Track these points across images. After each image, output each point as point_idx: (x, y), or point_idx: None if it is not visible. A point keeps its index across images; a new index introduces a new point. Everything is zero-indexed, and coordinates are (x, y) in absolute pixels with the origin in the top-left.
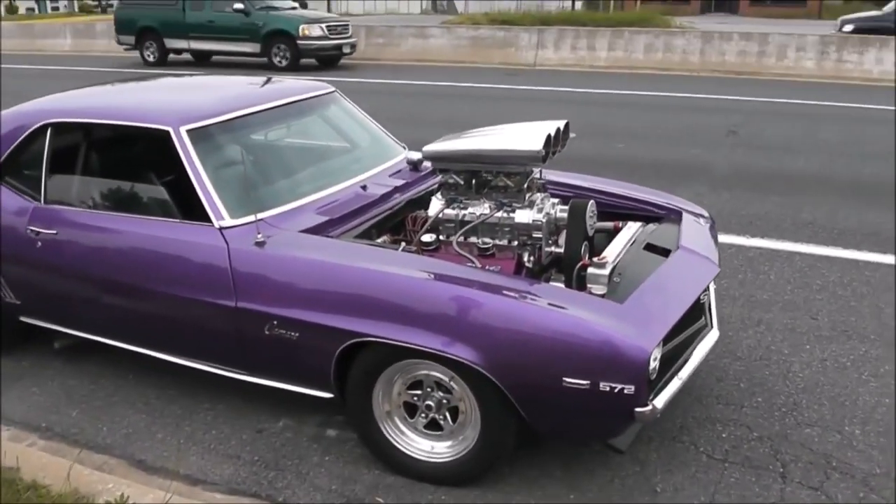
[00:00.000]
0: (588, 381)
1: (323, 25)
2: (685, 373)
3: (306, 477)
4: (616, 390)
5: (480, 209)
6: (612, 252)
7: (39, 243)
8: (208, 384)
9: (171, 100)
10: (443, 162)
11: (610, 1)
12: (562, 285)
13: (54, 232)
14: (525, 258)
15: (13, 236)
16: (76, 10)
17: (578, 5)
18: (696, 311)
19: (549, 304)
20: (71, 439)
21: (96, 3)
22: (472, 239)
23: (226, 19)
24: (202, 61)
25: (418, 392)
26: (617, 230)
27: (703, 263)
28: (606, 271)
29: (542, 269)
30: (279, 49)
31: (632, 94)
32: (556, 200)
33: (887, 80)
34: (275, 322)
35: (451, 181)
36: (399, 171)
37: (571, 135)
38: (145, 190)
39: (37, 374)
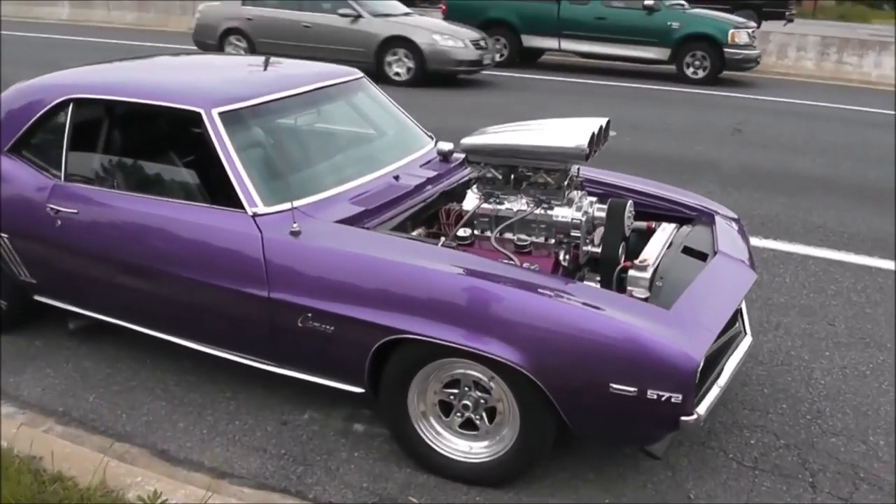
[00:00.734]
0: (635, 388)
1: (749, 31)
2: (723, 380)
3: (336, 473)
4: (663, 398)
5: (518, 205)
6: (651, 254)
7: (59, 222)
8: (228, 372)
9: (202, 80)
10: (481, 156)
11: None
12: (596, 285)
13: (75, 211)
14: (561, 257)
15: (31, 213)
16: None
17: None
18: (732, 317)
19: (596, 307)
20: (89, 425)
21: None
22: (508, 235)
23: (623, 17)
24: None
25: (455, 391)
26: (650, 230)
27: (742, 269)
28: (648, 274)
29: (576, 268)
30: (695, 57)
31: (637, 87)
32: (593, 199)
33: (885, 83)
34: (309, 315)
35: (488, 175)
36: (429, 161)
37: (611, 133)
38: (173, 172)
39: (50, 354)
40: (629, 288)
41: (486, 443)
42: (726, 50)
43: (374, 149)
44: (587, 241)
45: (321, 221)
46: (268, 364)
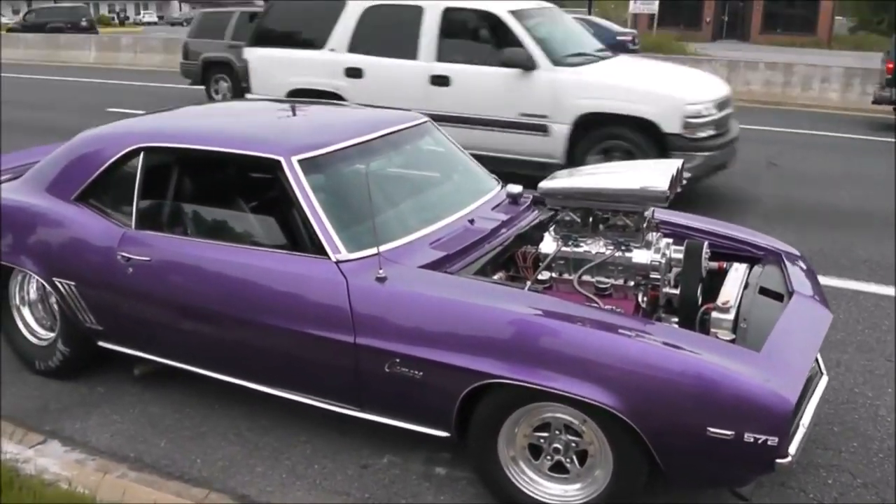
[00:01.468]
0: (732, 432)
1: None
2: (806, 420)
3: None
4: (760, 441)
5: (596, 247)
6: (731, 295)
7: (130, 269)
8: (301, 416)
9: (278, 127)
10: (559, 199)
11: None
12: (675, 326)
13: (147, 258)
14: (640, 299)
15: (100, 261)
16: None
17: None
18: None
19: (689, 350)
20: (164, 471)
21: (112, 16)
22: (586, 278)
23: None
24: None
25: (545, 434)
26: (721, 271)
27: (819, 309)
28: (731, 316)
29: (653, 310)
30: None
31: None
32: (669, 240)
33: None
34: (397, 360)
35: (566, 218)
36: (499, 204)
37: (686, 174)
38: (248, 219)
39: (115, 400)
40: (713, 330)
41: (578, 485)
42: None
43: (446, 192)
44: (665, 282)
45: (405, 267)
46: (349, 409)
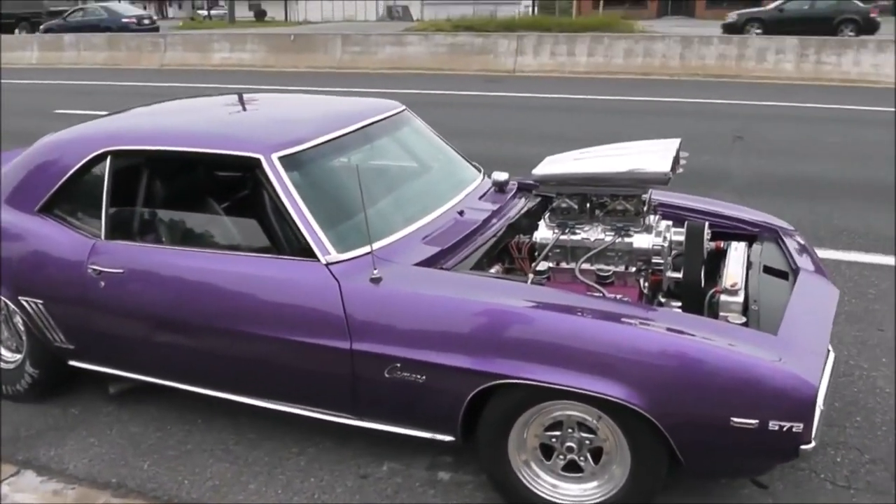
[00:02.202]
0: (757, 421)
1: None
2: (821, 400)
3: None
4: (785, 428)
5: (594, 234)
6: (737, 276)
7: (102, 283)
8: (291, 426)
9: (253, 124)
10: (557, 186)
11: (571, 3)
12: (686, 313)
13: (120, 270)
14: (642, 285)
15: (69, 276)
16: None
17: (534, 12)
18: None
19: (706, 337)
20: (150, 496)
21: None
22: (586, 266)
23: None
24: None
25: (557, 433)
26: (719, 251)
27: (826, 285)
28: (741, 298)
29: (654, 295)
30: None
31: (623, 99)
32: (669, 223)
33: (866, 81)
34: (398, 364)
35: (563, 205)
36: (485, 193)
37: (684, 154)
38: (230, 223)
39: (90, 422)
40: (722, 314)
41: (595, 483)
42: None
43: (431, 184)
44: (668, 266)
45: (400, 265)
46: (345, 417)
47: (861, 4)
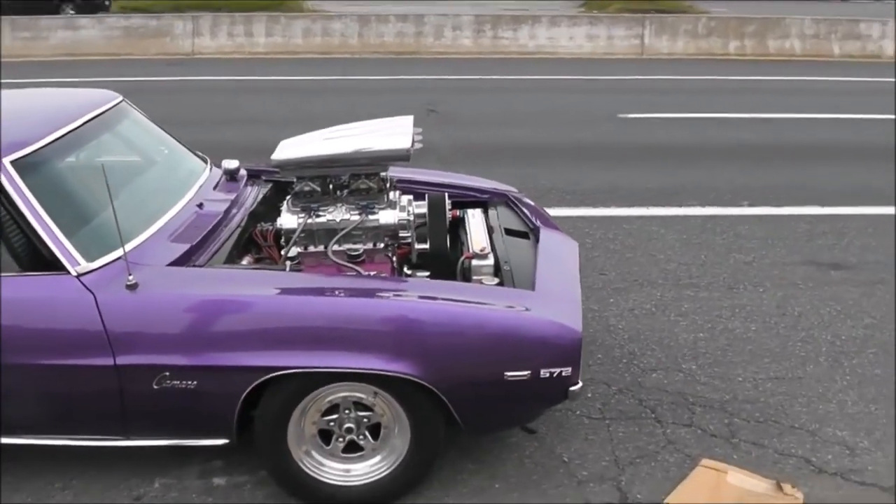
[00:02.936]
0: (528, 371)
1: None
2: None
3: None
4: (555, 374)
5: (340, 215)
6: (481, 241)
7: None
8: (47, 462)
9: None
10: (298, 169)
11: None
12: (448, 281)
13: None
14: (393, 259)
15: None
16: None
17: None
18: None
19: (470, 301)
20: None
21: None
22: (336, 247)
23: None
24: None
25: (334, 416)
26: (455, 219)
27: (564, 239)
28: (491, 261)
29: (401, 268)
30: None
31: (312, 79)
32: (409, 197)
33: (543, 52)
34: (167, 373)
35: (306, 189)
36: (217, 183)
37: (417, 130)
38: None
39: None
40: (475, 277)
41: (379, 457)
42: None
43: (164, 178)
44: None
45: (153, 268)
46: (111, 440)
47: None
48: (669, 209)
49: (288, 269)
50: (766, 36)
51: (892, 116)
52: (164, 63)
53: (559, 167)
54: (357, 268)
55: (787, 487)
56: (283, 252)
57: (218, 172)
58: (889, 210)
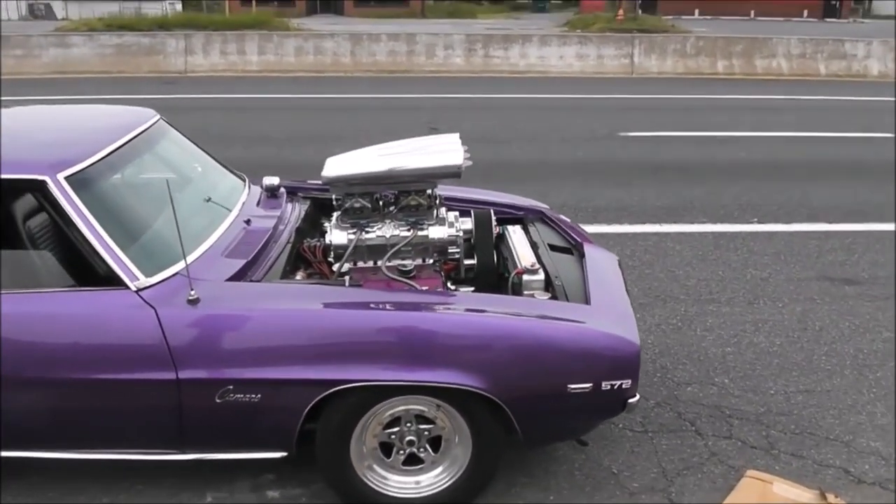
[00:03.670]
0: (591, 384)
1: None
2: None
3: None
4: (615, 387)
5: (390, 231)
6: (528, 256)
7: None
8: (90, 476)
9: (21, 139)
10: (348, 186)
11: (224, 2)
12: (509, 295)
13: None
14: (442, 275)
15: None
16: None
17: (179, 7)
18: None
19: (536, 315)
20: None
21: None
22: (379, 262)
23: None
24: None
25: (395, 429)
26: (496, 235)
27: (606, 254)
28: (542, 276)
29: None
30: None
31: (304, 97)
32: (456, 213)
33: (534, 71)
34: (230, 387)
35: (357, 205)
36: (259, 199)
37: (465, 147)
38: (15, 258)
39: None
40: (526, 292)
41: (441, 468)
42: None
43: (210, 195)
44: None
45: (213, 283)
46: (167, 453)
47: None
48: (681, 226)
49: (348, 283)
50: (754, 55)
51: (887, 135)
52: (158, 81)
53: (566, 185)
54: (413, 284)
55: (831, 497)
56: (334, 267)
57: (256, 189)
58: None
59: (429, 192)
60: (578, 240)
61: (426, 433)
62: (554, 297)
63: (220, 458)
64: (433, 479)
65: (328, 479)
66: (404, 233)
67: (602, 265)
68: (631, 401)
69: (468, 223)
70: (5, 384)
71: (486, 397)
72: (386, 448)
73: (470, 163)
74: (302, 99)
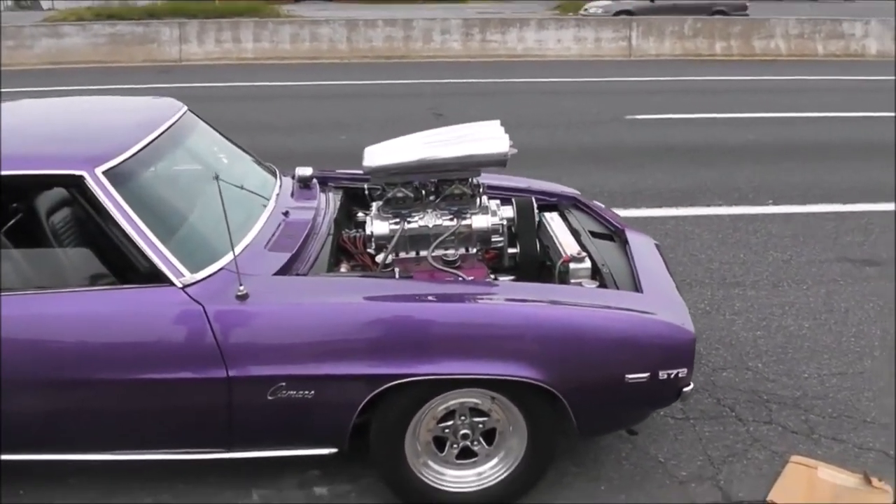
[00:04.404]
0: (648, 374)
1: None
2: None
3: None
4: (672, 376)
5: (432, 220)
6: (572, 244)
7: None
8: (130, 476)
9: (51, 134)
10: (388, 176)
11: None
12: (563, 285)
13: None
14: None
15: None
16: None
17: None
18: None
19: (592, 305)
20: None
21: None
22: (423, 253)
23: None
24: None
25: (449, 423)
26: None
27: (646, 239)
28: (589, 264)
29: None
30: None
31: (303, 84)
32: (497, 202)
33: (530, 55)
34: (283, 384)
35: (399, 195)
36: (293, 191)
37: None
38: (54, 256)
39: None
40: (574, 280)
41: (497, 460)
42: None
43: (245, 187)
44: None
45: (259, 277)
46: (215, 452)
47: None
48: (699, 209)
49: (398, 276)
50: (752, 36)
51: (890, 114)
52: (154, 71)
53: (578, 169)
54: (461, 275)
55: (875, 480)
56: (377, 259)
57: (288, 180)
58: None
59: (472, 180)
60: (618, 226)
61: (480, 426)
62: (602, 286)
63: (269, 456)
64: (490, 471)
65: (383, 475)
66: (448, 222)
67: (643, 251)
68: (686, 390)
69: (509, 211)
70: (49, 386)
71: (542, 388)
72: (439, 442)
73: (515, 150)
74: (300, 86)
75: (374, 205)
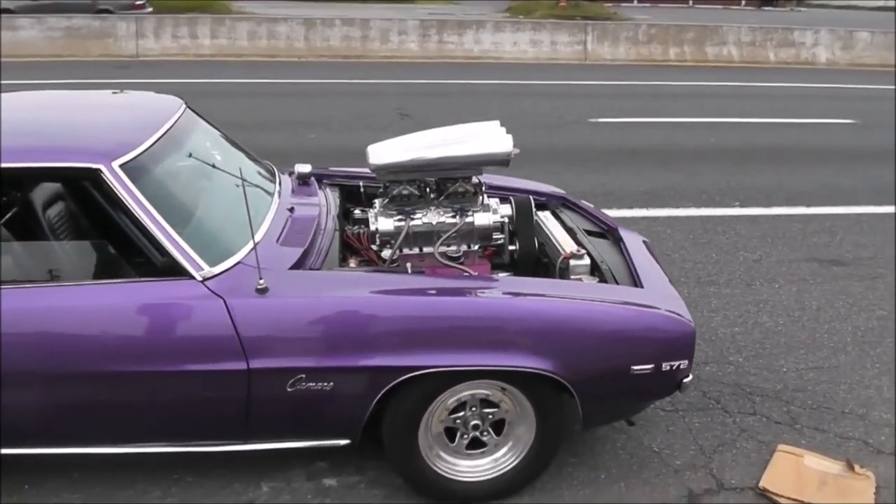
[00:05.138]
0: (652, 365)
1: None
2: None
3: None
4: (674, 367)
5: (436, 218)
6: (569, 241)
7: None
8: (135, 470)
9: (66, 127)
10: (393, 173)
11: None
12: (572, 280)
13: None
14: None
15: None
16: None
17: None
18: None
19: (599, 299)
20: None
21: None
22: (426, 249)
23: None
24: None
25: (460, 414)
26: None
27: (635, 236)
28: (588, 261)
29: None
30: None
31: (263, 82)
32: (497, 200)
33: (487, 57)
34: (302, 376)
35: (404, 192)
36: (293, 187)
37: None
38: (72, 249)
39: None
40: (574, 277)
41: (506, 449)
42: None
43: (249, 183)
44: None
45: (275, 271)
46: (229, 444)
47: None
48: (669, 210)
49: (410, 270)
50: (705, 43)
51: (844, 121)
52: (111, 65)
53: (545, 171)
54: (468, 270)
55: (858, 467)
56: (383, 254)
57: (286, 177)
58: (870, 209)
59: (474, 178)
60: (610, 224)
61: (490, 416)
62: (602, 282)
63: (282, 448)
64: (500, 460)
65: (396, 466)
66: (451, 219)
67: (636, 248)
68: (685, 381)
69: (507, 209)
70: (67, 379)
71: (551, 379)
72: (450, 432)
73: (518, 150)
74: (260, 83)
75: (378, 202)
